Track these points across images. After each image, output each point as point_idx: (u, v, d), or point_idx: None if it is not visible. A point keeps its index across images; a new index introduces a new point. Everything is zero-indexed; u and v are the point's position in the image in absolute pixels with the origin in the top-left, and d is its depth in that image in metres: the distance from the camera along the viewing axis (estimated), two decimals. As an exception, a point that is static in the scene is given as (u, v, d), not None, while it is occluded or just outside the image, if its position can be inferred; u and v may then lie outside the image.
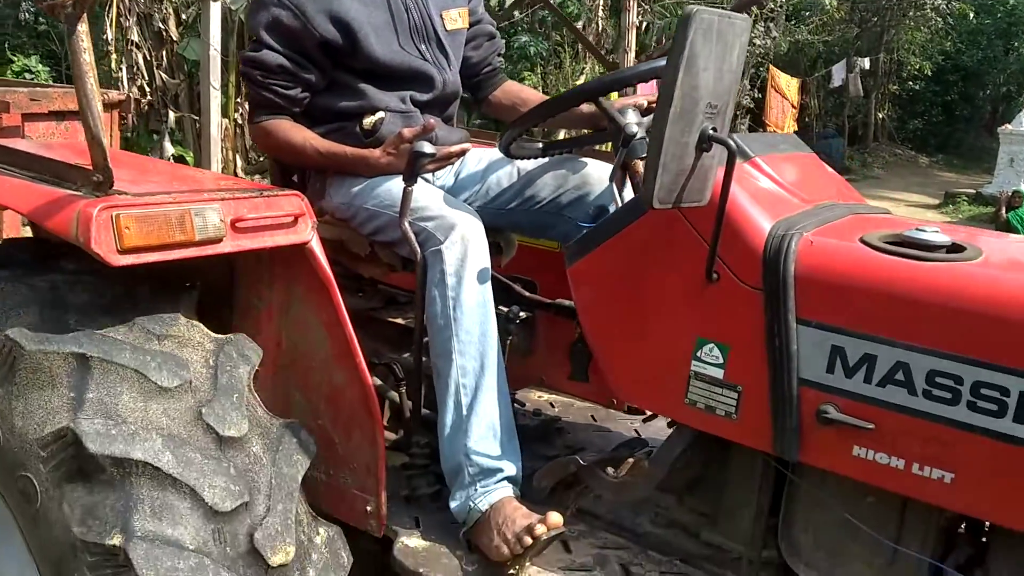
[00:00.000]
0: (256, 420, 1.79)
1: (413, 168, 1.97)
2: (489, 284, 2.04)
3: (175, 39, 9.44)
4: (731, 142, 1.54)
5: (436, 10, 2.31)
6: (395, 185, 2.08)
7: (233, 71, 8.88)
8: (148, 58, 9.28)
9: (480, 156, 2.40)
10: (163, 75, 9.41)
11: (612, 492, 1.96)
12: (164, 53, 9.40)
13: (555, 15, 3.81)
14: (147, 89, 9.38)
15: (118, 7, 8.92)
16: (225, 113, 8.59)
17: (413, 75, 2.26)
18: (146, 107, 9.74)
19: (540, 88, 13.52)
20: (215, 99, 7.19)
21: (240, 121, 9.38)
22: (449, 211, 2.05)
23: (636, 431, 2.43)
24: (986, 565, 1.57)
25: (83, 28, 1.62)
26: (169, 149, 9.34)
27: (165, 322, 1.78)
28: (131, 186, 1.72)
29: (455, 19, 2.34)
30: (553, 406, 2.68)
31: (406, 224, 1.99)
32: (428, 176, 2.30)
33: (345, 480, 2.00)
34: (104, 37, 8.85)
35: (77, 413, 1.58)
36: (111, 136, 4.24)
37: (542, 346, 2.46)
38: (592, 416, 2.60)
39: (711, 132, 1.52)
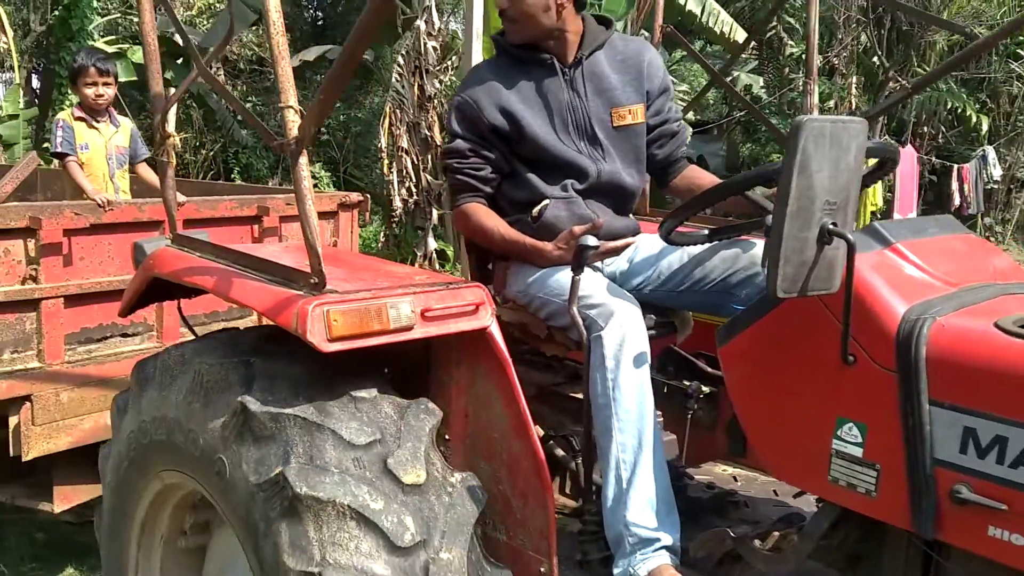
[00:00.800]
0: (435, 470, 2.05)
1: (579, 260, 2.15)
2: (647, 367, 2.18)
3: (439, 144, 10.40)
4: (849, 236, 1.63)
5: (605, 108, 2.51)
6: (564, 276, 2.27)
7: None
8: (416, 162, 10.28)
9: (654, 241, 2.53)
10: (428, 177, 10.36)
11: (763, 564, 2.00)
12: (429, 157, 10.36)
13: (732, 95, 3.76)
14: (414, 190, 10.35)
15: (390, 117, 9.98)
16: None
17: (569, 165, 2.48)
18: (412, 207, 10.72)
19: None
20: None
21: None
22: (610, 299, 2.22)
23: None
24: None
25: (303, 160, 1.97)
26: (432, 244, 10.22)
27: (363, 393, 2.09)
28: (342, 283, 2.05)
29: (624, 115, 2.53)
30: (736, 480, 2.72)
31: (574, 310, 2.17)
32: (599, 264, 2.49)
33: (522, 542, 2.17)
34: (377, 144, 9.89)
35: (288, 462, 1.92)
36: (351, 232, 4.75)
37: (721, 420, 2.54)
38: (774, 491, 2.63)
39: (831, 227, 1.61)
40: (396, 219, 10.30)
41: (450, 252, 10.50)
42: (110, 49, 11.52)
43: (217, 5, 14.24)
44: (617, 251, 2.37)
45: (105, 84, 4.75)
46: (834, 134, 1.59)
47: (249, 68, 14.93)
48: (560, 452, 2.44)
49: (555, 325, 2.41)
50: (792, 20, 14.47)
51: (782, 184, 1.60)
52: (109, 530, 2.63)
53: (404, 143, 10.03)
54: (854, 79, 11.99)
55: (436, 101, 10.14)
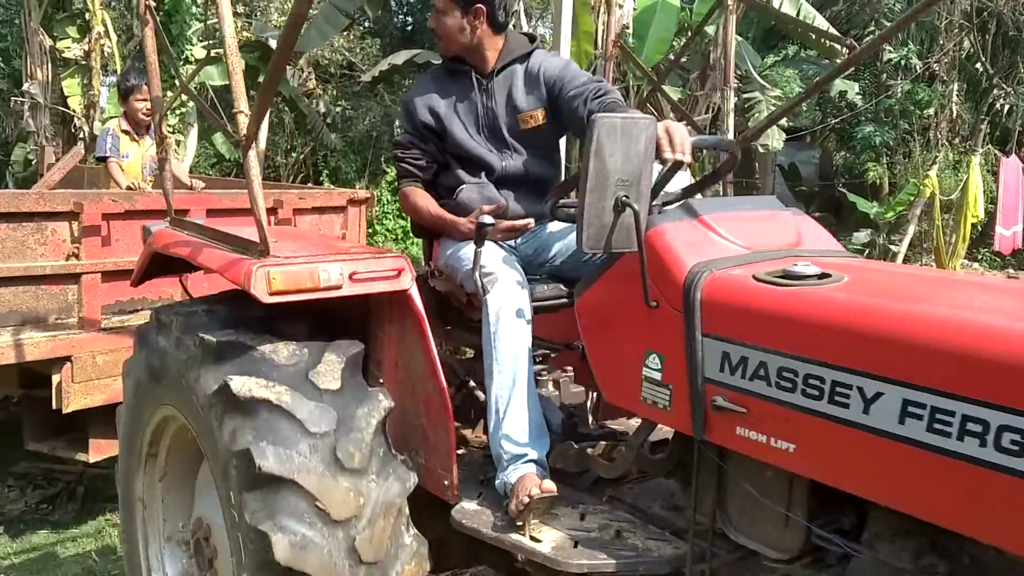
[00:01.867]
0: (350, 384, 2.46)
1: (479, 234, 2.55)
2: (524, 323, 2.60)
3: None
4: (635, 205, 2.06)
5: (512, 113, 2.96)
6: (471, 249, 2.65)
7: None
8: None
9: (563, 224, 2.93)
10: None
11: (601, 470, 2.60)
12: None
13: (666, 98, 4.07)
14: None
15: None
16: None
17: (480, 159, 2.97)
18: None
19: (886, 179, 12.81)
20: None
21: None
22: (500, 268, 2.65)
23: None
24: (863, 532, 1.91)
25: (252, 153, 2.41)
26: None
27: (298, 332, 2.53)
28: (287, 252, 2.48)
29: (527, 120, 2.96)
30: None
31: (476, 276, 2.59)
32: (514, 242, 2.94)
33: (433, 462, 2.63)
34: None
35: (231, 376, 2.33)
36: (359, 224, 5.26)
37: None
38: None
39: (623, 199, 2.05)
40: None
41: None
42: (206, 54, 11.86)
43: (312, 11, 14.49)
44: (514, 229, 2.74)
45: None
46: (624, 127, 2.03)
47: (340, 72, 15.21)
48: (483, 396, 2.84)
49: (467, 291, 2.80)
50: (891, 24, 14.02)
51: (583, 165, 2.03)
52: (123, 470, 3.09)
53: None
54: (955, 86, 11.52)
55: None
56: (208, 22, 11.91)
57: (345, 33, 13.12)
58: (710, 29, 9.82)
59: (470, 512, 2.56)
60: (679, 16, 10.24)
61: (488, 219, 2.54)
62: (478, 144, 2.96)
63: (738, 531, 2.13)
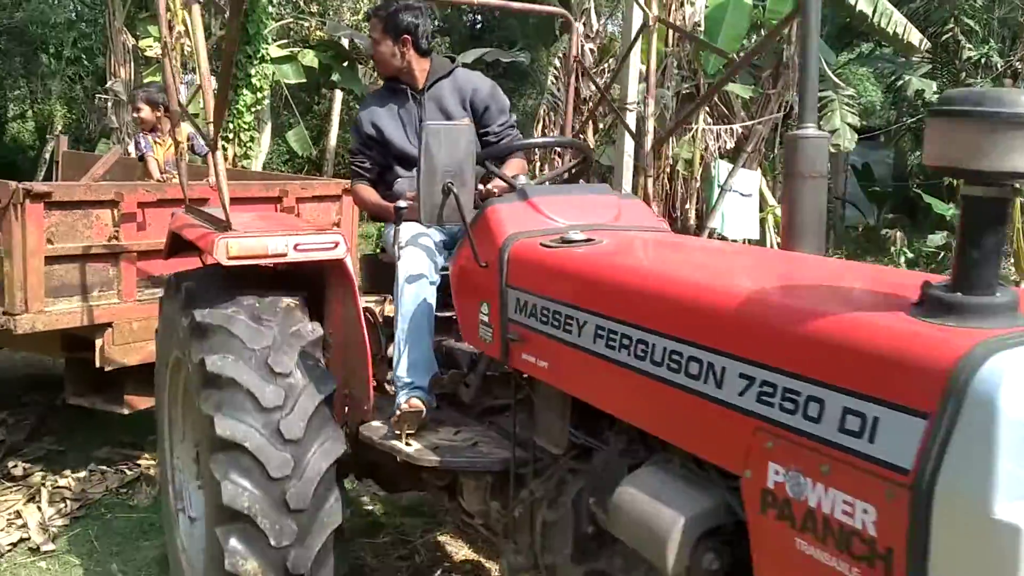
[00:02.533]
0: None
1: (396, 215, 3.32)
2: (427, 283, 3.22)
3: (592, 148, 10.39)
4: (455, 190, 2.63)
5: (439, 119, 3.58)
6: (400, 228, 3.32)
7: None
8: (568, 165, 10.31)
9: None
10: (583, 182, 10.37)
11: (463, 395, 3.32)
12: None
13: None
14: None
15: (543, 120, 10.01)
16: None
17: (412, 157, 3.51)
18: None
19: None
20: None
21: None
22: (410, 241, 3.27)
23: None
24: (605, 432, 2.46)
25: (219, 155, 3.34)
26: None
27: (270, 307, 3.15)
28: (248, 227, 3.19)
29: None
30: None
31: (395, 247, 3.28)
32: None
33: (357, 394, 3.29)
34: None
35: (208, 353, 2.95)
36: (353, 211, 5.84)
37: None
38: None
39: (448, 185, 2.63)
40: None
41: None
42: (282, 53, 12.08)
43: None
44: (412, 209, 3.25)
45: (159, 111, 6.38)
46: (447, 132, 2.66)
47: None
48: None
49: (391, 261, 3.38)
50: (971, 22, 13.62)
51: (419, 159, 2.65)
52: (157, 398, 3.87)
53: (556, 146, 10.06)
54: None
55: (590, 104, 10.12)
56: (283, 22, 12.13)
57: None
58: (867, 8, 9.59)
59: (372, 428, 3.23)
60: (751, 13, 10.09)
61: (403, 203, 3.31)
62: (412, 146, 3.61)
63: (538, 436, 2.70)
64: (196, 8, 3.38)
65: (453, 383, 3.36)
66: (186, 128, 5.99)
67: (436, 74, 3.67)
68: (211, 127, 3.29)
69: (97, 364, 4.61)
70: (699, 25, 9.99)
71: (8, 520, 4.36)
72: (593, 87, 10.17)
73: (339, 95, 15.24)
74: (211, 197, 4.44)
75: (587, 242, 2.58)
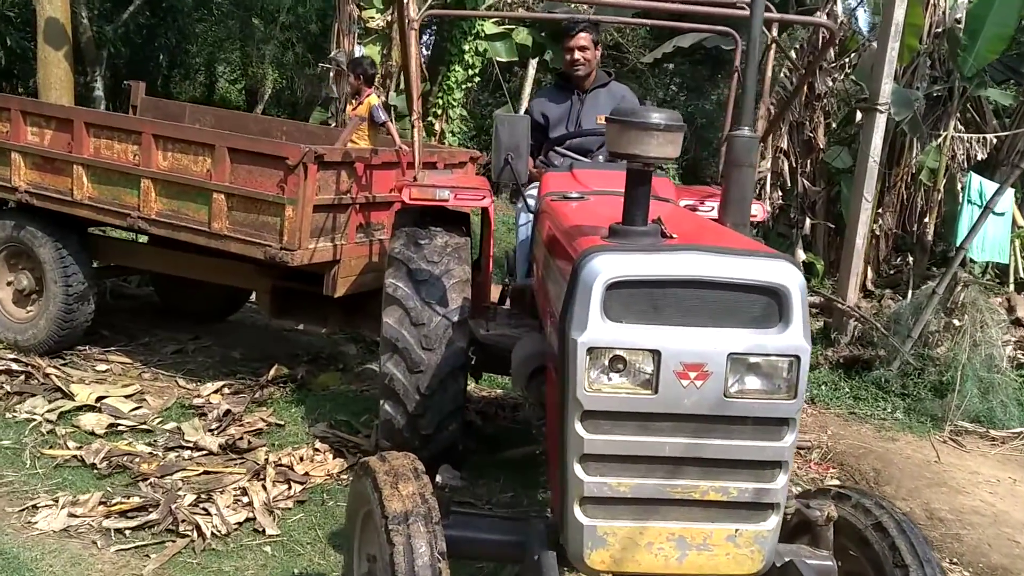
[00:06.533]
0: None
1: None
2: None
3: (822, 147, 9.59)
4: (512, 162, 3.89)
5: (594, 115, 4.64)
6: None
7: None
8: (793, 165, 9.56)
9: None
10: (805, 182, 9.61)
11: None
12: (809, 161, 9.60)
13: None
14: (780, 192, 9.64)
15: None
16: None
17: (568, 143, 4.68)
18: (777, 210, 10.00)
19: None
20: (865, 211, 6.97)
21: (877, 232, 9.07)
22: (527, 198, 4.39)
23: None
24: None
25: (416, 131, 4.66)
26: (800, 255, 9.46)
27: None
28: (427, 181, 4.41)
29: (603, 120, 3.90)
30: None
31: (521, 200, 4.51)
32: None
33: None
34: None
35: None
36: (470, 172, 6.70)
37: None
38: None
39: (508, 158, 3.85)
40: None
41: (819, 266, 9.67)
42: (496, 30, 11.86)
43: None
44: None
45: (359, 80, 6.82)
46: (510, 120, 3.97)
47: (607, 53, 14.88)
48: None
49: None
50: None
51: (492, 140, 3.95)
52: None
53: (784, 143, 9.36)
54: None
55: (825, 100, 9.36)
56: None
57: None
58: None
59: (476, 321, 4.39)
60: (1021, 11, 9.00)
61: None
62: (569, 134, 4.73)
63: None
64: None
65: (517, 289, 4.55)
66: (371, 99, 6.63)
67: (597, 82, 4.77)
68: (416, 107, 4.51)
69: (324, 292, 5.55)
70: (959, 22, 9.02)
71: (235, 497, 4.26)
72: (831, 83, 9.43)
73: (531, 74, 14.90)
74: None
75: (579, 199, 3.42)
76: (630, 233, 2.41)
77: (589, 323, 2.25)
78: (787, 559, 2.54)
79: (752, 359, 2.29)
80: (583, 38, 4.65)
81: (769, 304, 2.29)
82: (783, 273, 2.28)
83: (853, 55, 9.45)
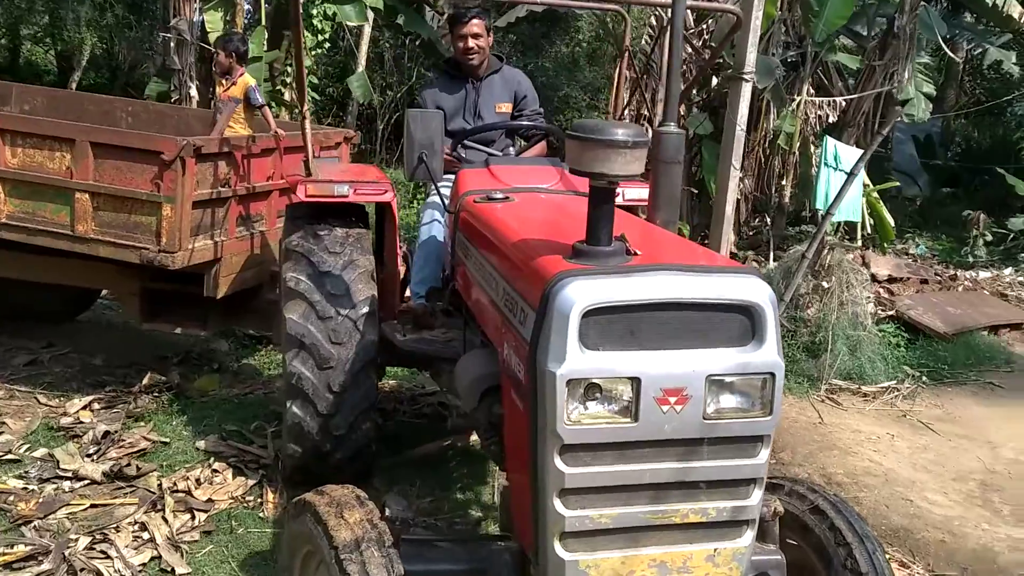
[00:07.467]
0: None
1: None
2: (437, 224, 4.44)
3: (682, 114, 9.73)
4: (425, 159, 3.43)
5: (492, 103, 4.62)
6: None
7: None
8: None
9: None
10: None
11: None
12: (671, 127, 9.73)
13: None
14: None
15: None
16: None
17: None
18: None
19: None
20: (734, 178, 7.13)
21: (738, 196, 9.33)
22: (429, 195, 4.64)
23: None
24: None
25: (307, 123, 4.44)
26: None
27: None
28: (323, 176, 4.29)
29: (502, 108, 4.65)
30: None
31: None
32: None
33: (389, 298, 4.48)
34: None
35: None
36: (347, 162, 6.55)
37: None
38: None
39: (422, 156, 3.42)
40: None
41: (685, 231, 9.88)
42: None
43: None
44: None
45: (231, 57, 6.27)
46: (423, 116, 3.48)
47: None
48: None
49: None
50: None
51: (404, 136, 3.50)
52: None
53: (645, 111, 9.43)
54: None
55: (685, 68, 9.50)
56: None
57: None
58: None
59: (390, 324, 4.27)
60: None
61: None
62: (465, 123, 4.57)
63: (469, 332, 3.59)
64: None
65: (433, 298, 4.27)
66: (246, 79, 6.16)
67: (490, 69, 4.64)
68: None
69: (206, 293, 5.27)
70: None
71: (134, 534, 3.87)
72: (691, 50, 9.55)
73: (367, 32, 14.18)
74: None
75: (504, 200, 3.40)
76: (597, 254, 2.32)
77: (568, 354, 2.13)
78: None
79: (728, 379, 2.24)
80: (476, 25, 4.50)
81: (743, 322, 2.24)
82: (756, 291, 2.25)
83: (711, 21, 9.60)
